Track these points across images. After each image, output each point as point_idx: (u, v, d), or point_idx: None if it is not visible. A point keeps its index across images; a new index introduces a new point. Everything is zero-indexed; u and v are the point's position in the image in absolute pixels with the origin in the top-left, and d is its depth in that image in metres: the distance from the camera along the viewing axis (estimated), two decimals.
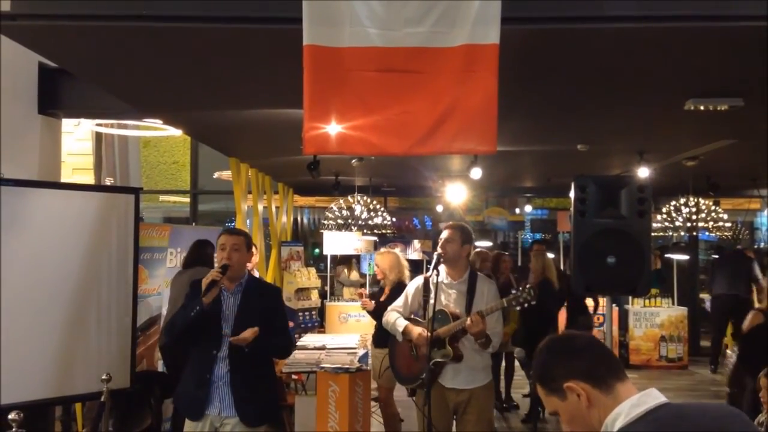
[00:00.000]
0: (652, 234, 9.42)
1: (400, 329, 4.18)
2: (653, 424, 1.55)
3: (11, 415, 3.60)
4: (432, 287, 3.99)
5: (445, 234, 4.14)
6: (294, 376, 6.52)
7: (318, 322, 9.79)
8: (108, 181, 9.63)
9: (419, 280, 4.32)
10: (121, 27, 3.32)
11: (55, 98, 5.26)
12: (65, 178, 7.15)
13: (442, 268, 4.13)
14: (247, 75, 4.23)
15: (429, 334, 3.92)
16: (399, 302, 4.36)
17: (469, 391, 4.07)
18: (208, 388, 3.76)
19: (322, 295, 10.64)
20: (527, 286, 3.91)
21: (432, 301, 3.93)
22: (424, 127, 3.23)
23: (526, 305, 3.82)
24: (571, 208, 3.96)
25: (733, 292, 9.71)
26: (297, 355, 6.37)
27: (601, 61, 3.96)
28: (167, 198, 16.35)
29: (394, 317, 4.26)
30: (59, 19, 3.23)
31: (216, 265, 3.86)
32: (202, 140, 7.41)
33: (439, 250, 4.11)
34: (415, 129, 3.24)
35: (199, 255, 5.75)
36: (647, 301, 10.69)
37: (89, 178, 7.70)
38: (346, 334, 8.44)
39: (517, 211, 14.92)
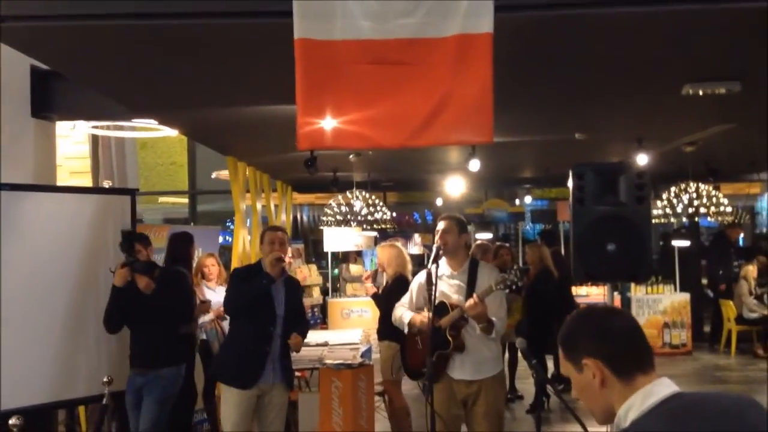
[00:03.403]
0: (654, 221, 9.48)
1: (406, 321, 4.17)
2: (666, 416, 1.51)
3: (12, 420, 3.58)
4: (444, 279, 3.97)
5: (442, 225, 4.11)
6: (297, 373, 6.49)
7: (320, 318, 9.78)
8: (106, 184, 9.61)
9: (422, 275, 4.28)
10: (111, 26, 3.29)
11: (49, 101, 5.23)
12: (63, 182, 7.12)
13: (443, 260, 4.11)
14: (239, 71, 4.20)
15: (429, 320, 3.91)
16: (405, 299, 4.36)
17: (479, 382, 4.02)
18: (264, 360, 4.33)
19: (324, 292, 10.62)
20: (515, 267, 3.89)
21: (433, 293, 3.91)
22: (420, 118, 3.20)
23: (514, 287, 3.81)
24: (570, 197, 3.93)
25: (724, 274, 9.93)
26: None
27: (596, 47, 3.93)
28: (166, 199, 16.33)
29: (401, 312, 4.27)
30: (49, 20, 3.21)
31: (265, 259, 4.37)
32: (199, 140, 7.38)
33: (438, 242, 4.08)
34: (410, 121, 3.22)
35: (178, 253, 5.60)
36: (649, 288, 10.66)
37: (87, 181, 7.67)
38: (349, 329, 8.42)
39: (517, 202, 14.90)
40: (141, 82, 4.49)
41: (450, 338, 3.96)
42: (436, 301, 4.00)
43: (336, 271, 11.20)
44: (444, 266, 4.11)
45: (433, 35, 3.09)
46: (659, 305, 10.61)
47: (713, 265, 11.32)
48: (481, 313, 3.83)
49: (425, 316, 4.05)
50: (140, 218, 16.00)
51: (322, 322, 9.77)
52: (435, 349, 3.93)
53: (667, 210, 8.21)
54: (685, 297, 10.70)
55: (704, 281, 12.56)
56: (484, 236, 11.63)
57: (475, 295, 3.84)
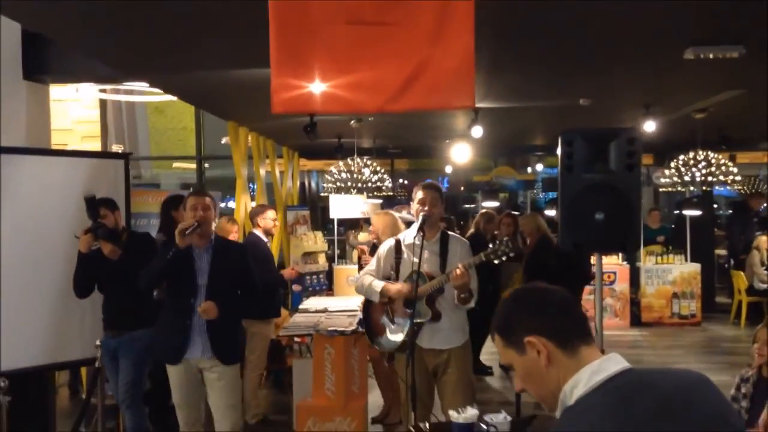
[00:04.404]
0: (666, 190, 9.33)
1: (378, 289, 4.12)
2: (613, 393, 1.46)
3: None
4: (417, 249, 3.93)
5: (428, 195, 4.05)
6: (297, 339, 6.52)
7: (326, 285, 9.78)
8: (116, 148, 9.63)
9: (390, 242, 4.27)
10: None
11: (41, 63, 5.19)
12: (74, 146, 7.14)
13: (415, 229, 4.08)
14: (226, 32, 4.13)
15: (410, 288, 3.89)
16: (371, 266, 4.31)
17: (448, 351, 4.03)
18: (187, 333, 4.08)
19: (330, 259, 10.62)
20: (504, 238, 3.83)
21: (417, 260, 3.87)
22: (398, 82, 3.12)
23: (504, 258, 3.75)
24: (558, 164, 3.83)
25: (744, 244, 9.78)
26: (296, 318, 6.36)
27: (597, 7, 3.80)
28: (180, 164, 16.36)
29: (369, 280, 4.21)
30: None
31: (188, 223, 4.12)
32: (197, 104, 7.33)
33: (425, 211, 4.02)
34: (388, 84, 3.13)
35: (164, 217, 5.57)
36: (659, 258, 10.54)
37: (98, 146, 7.68)
38: (353, 296, 8.42)
39: (529, 170, 14.73)
40: (126, 44, 4.43)
41: (429, 308, 3.94)
42: (408, 271, 4.01)
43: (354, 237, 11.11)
44: (416, 236, 4.06)
45: None
46: (669, 275, 10.49)
47: (734, 234, 11.14)
48: (466, 283, 3.81)
49: (402, 285, 4.02)
50: (156, 183, 16.06)
51: (328, 289, 9.77)
52: (413, 318, 3.91)
53: (675, 179, 8.03)
54: (696, 267, 10.56)
55: (718, 251, 12.40)
56: (491, 205, 11.49)
57: (461, 264, 3.79)
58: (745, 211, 11.15)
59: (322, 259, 10.13)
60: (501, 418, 2.21)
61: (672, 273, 10.49)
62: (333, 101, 3.16)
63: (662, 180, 8.62)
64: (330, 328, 5.56)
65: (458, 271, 3.76)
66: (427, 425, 2.98)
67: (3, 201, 4.68)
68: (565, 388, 1.52)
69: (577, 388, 1.50)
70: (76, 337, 5.01)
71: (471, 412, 2.19)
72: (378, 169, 8.56)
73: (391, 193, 8.98)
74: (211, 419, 4.32)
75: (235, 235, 6.05)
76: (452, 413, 2.22)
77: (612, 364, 1.52)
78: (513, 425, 2.21)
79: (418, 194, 4.06)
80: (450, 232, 4.25)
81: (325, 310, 6.63)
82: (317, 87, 3.11)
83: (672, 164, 8.30)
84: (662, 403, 1.43)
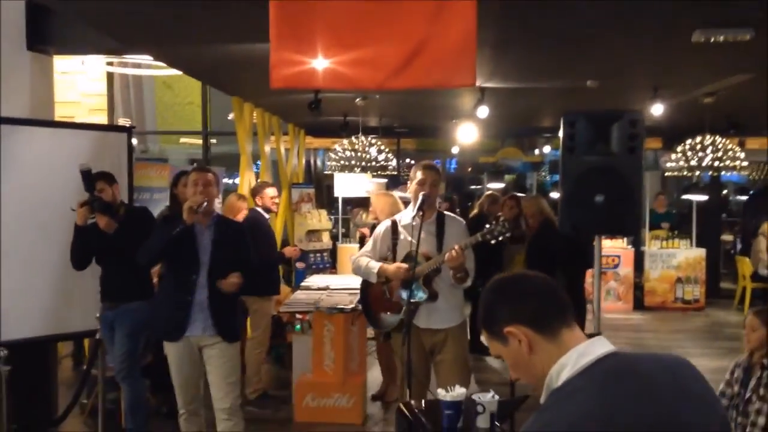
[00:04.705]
0: (673, 174, 9.24)
1: (375, 270, 4.12)
2: (600, 376, 1.46)
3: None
4: (414, 229, 3.92)
5: (428, 176, 4.03)
6: (298, 316, 6.55)
7: (330, 263, 9.81)
8: (123, 122, 9.62)
9: (387, 223, 4.26)
10: None
11: (45, 34, 5.16)
12: (82, 119, 7.13)
13: (411, 210, 4.07)
14: (222, 6, 4.09)
15: (407, 267, 3.90)
16: (367, 247, 4.31)
17: (445, 331, 4.04)
18: (188, 310, 4.03)
19: (335, 238, 10.63)
20: (501, 218, 3.80)
21: (414, 241, 3.87)
22: (398, 59, 3.10)
23: (500, 238, 3.73)
24: (560, 146, 3.80)
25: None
26: (298, 295, 6.39)
27: None
28: (187, 140, 16.36)
29: (365, 261, 4.21)
30: None
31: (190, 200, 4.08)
32: (201, 78, 7.30)
33: (425, 192, 4.01)
34: (388, 61, 3.12)
35: (170, 193, 5.59)
36: (664, 242, 10.51)
37: (105, 119, 7.68)
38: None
39: (536, 152, 14.64)
40: (131, 15, 4.40)
41: (426, 288, 3.95)
42: (405, 251, 4.02)
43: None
44: (414, 216, 4.05)
45: None
46: (673, 260, 10.46)
47: (747, 220, 11.09)
48: (462, 264, 3.81)
49: (399, 265, 4.02)
50: (164, 158, 16.09)
51: (331, 267, 9.80)
52: (410, 297, 3.91)
53: (681, 163, 7.97)
54: (701, 252, 10.53)
55: (724, 237, 12.34)
56: (496, 186, 11.43)
57: (457, 246, 3.79)
58: (763, 198, 11.11)
59: (326, 238, 10.15)
60: (489, 397, 2.21)
61: (676, 258, 10.46)
62: (333, 77, 3.14)
63: (668, 164, 8.55)
64: (330, 306, 5.58)
65: (453, 254, 3.76)
66: (423, 403, 3.00)
67: (5, 172, 4.69)
68: (551, 372, 1.53)
69: (564, 371, 1.50)
70: (77, 309, 5.04)
71: (459, 391, 2.20)
72: (383, 148, 8.51)
73: (395, 173, 8.94)
74: (209, 397, 4.29)
75: (245, 213, 6.05)
76: (440, 391, 2.22)
77: (598, 346, 1.52)
78: (501, 405, 2.21)
79: (418, 174, 4.04)
80: (446, 212, 4.24)
81: (326, 288, 6.66)
82: (317, 63, 3.09)
83: (678, 148, 8.22)
84: (647, 386, 1.44)
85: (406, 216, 4.18)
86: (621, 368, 1.48)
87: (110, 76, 7.98)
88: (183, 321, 4.03)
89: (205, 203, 4.01)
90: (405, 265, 3.98)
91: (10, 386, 4.25)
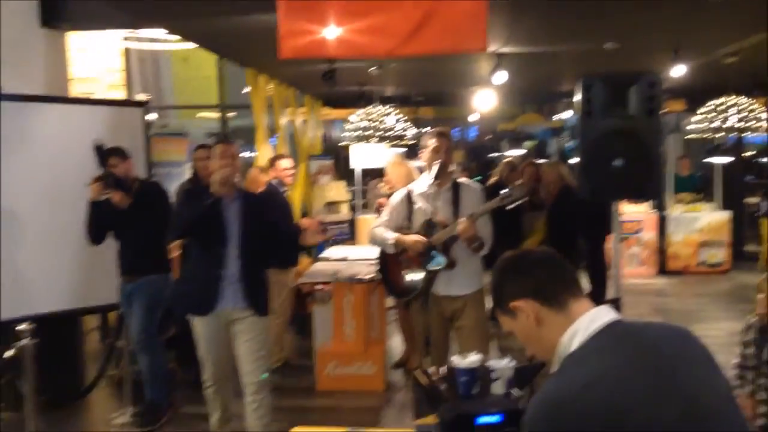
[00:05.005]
0: (691, 136, 9.09)
1: (391, 240, 4.12)
2: (611, 341, 1.50)
3: (22, 326, 3.69)
4: (430, 198, 3.90)
5: (442, 143, 4.00)
6: (318, 286, 6.59)
7: (348, 235, 9.83)
8: (141, 97, 9.65)
9: (402, 192, 4.24)
10: None
11: (58, 10, 5.17)
12: (101, 95, 7.17)
13: (427, 178, 4.04)
14: None
15: (425, 239, 3.89)
16: (384, 217, 4.29)
17: (464, 297, 4.03)
18: (219, 284, 3.93)
19: (354, 209, 10.63)
20: (518, 182, 3.76)
21: (431, 209, 3.86)
22: (408, 26, 3.07)
23: (516, 203, 3.69)
24: (578, 110, 3.73)
25: None
26: (317, 266, 6.43)
27: None
28: (204, 114, 16.37)
29: (382, 231, 4.20)
30: None
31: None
32: (216, 51, 7.25)
33: (441, 160, 3.98)
34: (398, 28, 3.08)
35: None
36: (688, 206, 10.37)
37: (124, 95, 7.71)
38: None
39: (557, 117, 14.43)
40: None
41: (443, 255, 3.94)
42: (422, 220, 4.01)
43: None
44: (431, 184, 4.03)
45: None
46: (696, 224, 10.33)
47: None
48: (474, 235, 3.79)
49: (418, 239, 4.00)
50: (183, 132, 16.14)
51: (350, 238, 9.82)
52: (426, 266, 3.94)
53: (704, 125, 7.82)
54: (725, 216, 10.38)
55: (748, 200, 12.15)
56: (516, 153, 11.32)
57: (466, 218, 3.78)
58: None
59: (345, 209, 10.16)
60: (504, 363, 2.20)
61: (699, 221, 10.33)
62: (343, 46, 3.12)
63: (691, 126, 8.40)
64: (349, 276, 5.61)
65: (461, 226, 3.75)
66: (440, 370, 3.00)
67: (23, 149, 4.73)
68: (563, 339, 1.55)
69: (578, 336, 1.53)
70: (101, 283, 5.11)
71: (473, 357, 2.20)
72: (400, 116, 8.43)
73: (413, 142, 8.89)
74: (235, 371, 4.22)
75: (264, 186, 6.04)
76: (454, 358, 2.23)
77: (604, 313, 1.56)
78: (518, 371, 2.21)
79: (431, 142, 4.01)
80: (461, 179, 4.21)
81: (345, 259, 6.68)
82: (327, 32, 3.06)
83: (701, 110, 8.06)
84: (653, 349, 1.48)
85: (420, 184, 4.16)
86: (629, 333, 1.52)
87: (127, 52, 7.99)
88: (213, 295, 3.94)
89: (234, 174, 3.95)
90: (423, 238, 3.97)
91: (38, 359, 4.34)
